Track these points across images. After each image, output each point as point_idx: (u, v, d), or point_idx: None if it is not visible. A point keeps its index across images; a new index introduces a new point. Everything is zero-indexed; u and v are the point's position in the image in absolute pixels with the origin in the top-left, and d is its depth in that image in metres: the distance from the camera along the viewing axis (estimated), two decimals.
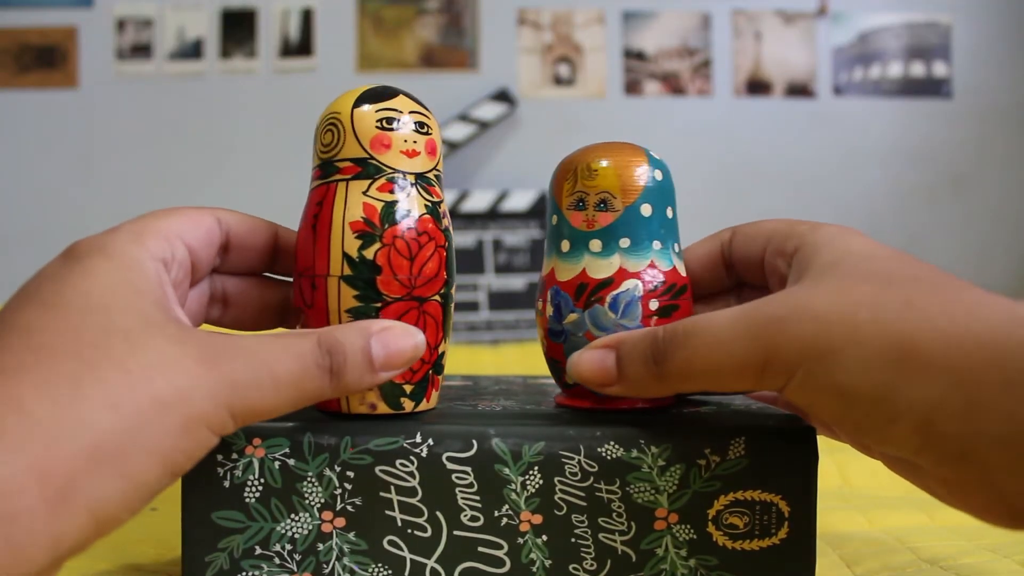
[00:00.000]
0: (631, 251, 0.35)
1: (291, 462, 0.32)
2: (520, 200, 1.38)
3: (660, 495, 0.32)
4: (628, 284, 0.35)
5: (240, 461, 0.32)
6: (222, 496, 0.32)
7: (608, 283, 0.35)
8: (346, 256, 0.33)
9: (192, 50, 1.55)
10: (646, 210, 0.35)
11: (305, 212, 0.35)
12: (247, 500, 0.32)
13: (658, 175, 0.36)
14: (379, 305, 0.33)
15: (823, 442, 0.37)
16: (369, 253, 0.33)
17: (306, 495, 0.32)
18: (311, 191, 0.35)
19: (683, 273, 0.36)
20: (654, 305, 0.35)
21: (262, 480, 0.32)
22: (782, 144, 1.45)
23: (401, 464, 0.32)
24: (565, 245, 0.37)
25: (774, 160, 1.44)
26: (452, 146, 1.44)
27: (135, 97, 1.52)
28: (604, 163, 0.36)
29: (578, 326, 0.36)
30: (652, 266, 0.35)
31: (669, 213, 0.36)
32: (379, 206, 0.33)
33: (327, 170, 0.34)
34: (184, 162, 1.45)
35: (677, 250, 0.36)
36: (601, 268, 0.35)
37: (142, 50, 1.57)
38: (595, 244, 0.35)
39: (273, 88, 1.44)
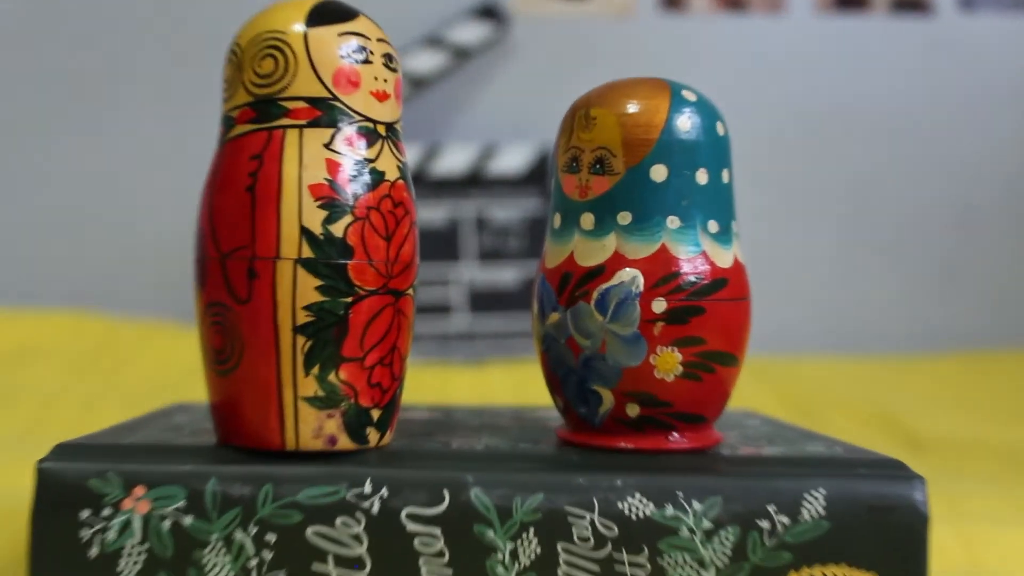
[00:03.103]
0: (633, 230, 0.35)
1: (187, 520, 0.32)
2: (513, 159, 1.38)
3: (706, 570, 0.32)
4: (623, 275, 0.35)
5: (114, 520, 0.32)
6: (85, 570, 0.32)
7: (597, 273, 0.35)
8: (305, 232, 0.33)
9: None
10: (658, 173, 0.35)
11: (223, 168, 0.35)
12: None
13: (683, 123, 0.36)
14: (350, 300, 0.34)
15: (941, 504, 0.37)
16: (338, 229, 0.34)
17: (208, 568, 0.32)
18: (231, 139, 0.35)
19: (725, 261, 0.36)
20: (660, 307, 0.35)
21: (146, 546, 0.32)
22: (883, 82, 1.46)
23: (343, 523, 0.32)
24: (557, 220, 0.38)
25: (871, 104, 1.45)
26: (416, 83, 1.44)
27: None
28: (605, 107, 0.36)
29: (560, 329, 0.36)
30: (663, 251, 0.35)
31: (702, 177, 0.36)
32: (348, 165, 0.34)
33: (266, 111, 0.35)
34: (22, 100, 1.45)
35: (717, 229, 0.36)
36: (591, 252, 0.36)
37: None
38: (587, 219, 0.36)
39: None
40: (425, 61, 1.47)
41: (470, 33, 1.48)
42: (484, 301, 1.36)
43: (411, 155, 1.29)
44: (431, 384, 1.00)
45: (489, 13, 1.47)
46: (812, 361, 1.06)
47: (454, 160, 1.39)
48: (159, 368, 0.90)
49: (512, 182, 1.39)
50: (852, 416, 0.84)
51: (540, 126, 1.37)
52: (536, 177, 1.40)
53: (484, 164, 1.39)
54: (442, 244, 1.38)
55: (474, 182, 1.38)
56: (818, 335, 1.21)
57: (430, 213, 1.40)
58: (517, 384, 1.03)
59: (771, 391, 0.89)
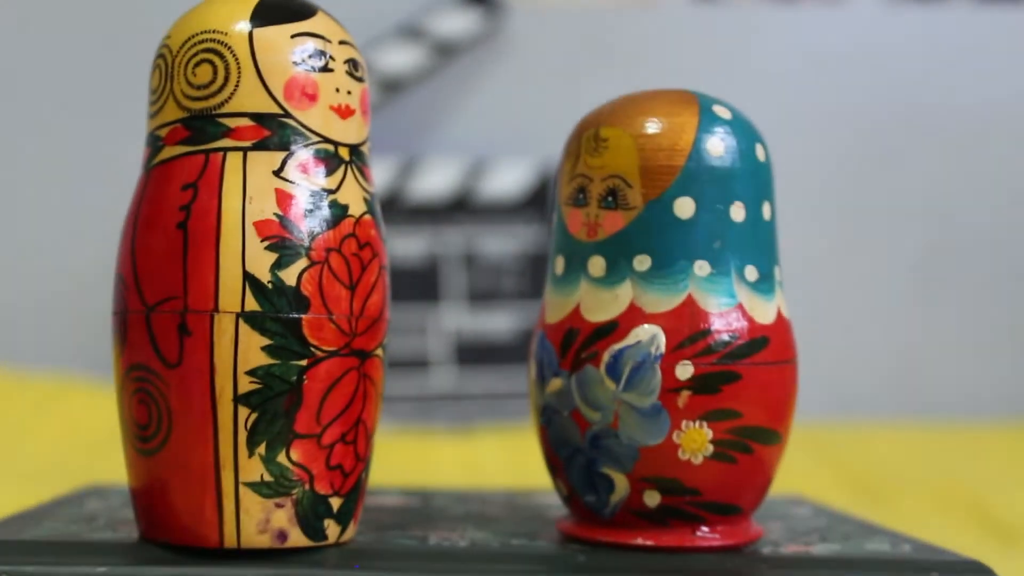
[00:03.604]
0: (652, 277, 0.36)
1: None
2: (508, 179, 1.39)
3: None
4: (640, 334, 0.35)
5: None
6: None
7: (609, 330, 0.36)
8: (250, 279, 0.34)
9: None
10: (683, 208, 0.36)
11: (148, 199, 0.35)
12: None
13: (715, 146, 0.36)
14: (304, 363, 0.34)
15: None
16: (289, 275, 0.34)
17: None
18: (158, 164, 0.35)
19: (765, 315, 0.37)
20: (685, 372, 0.35)
21: None
22: (967, 85, 1.46)
23: None
24: (559, 264, 0.38)
25: (952, 114, 1.45)
26: (389, 85, 1.45)
27: None
28: (618, 127, 0.36)
29: (563, 399, 0.37)
30: (689, 304, 0.36)
31: (738, 213, 0.36)
32: (303, 197, 0.34)
33: (202, 130, 0.35)
34: None
35: (756, 276, 0.37)
36: (601, 304, 0.36)
37: None
38: (596, 264, 0.36)
39: None
40: (400, 57, 1.48)
41: (456, 24, 1.49)
42: (472, 354, 1.36)
43: (383, 173, 1.30)
44: (406, 458, 1.00)
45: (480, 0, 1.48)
46: (877, 430, 1.06)
47: (435, 180, 1.40)
48: (68, 437, 0.90)
49: (506, 208, 1.40)
50: (926, 498, 0.84)
51: (541, 139, 1.37)
52: (536, 202, 1.40)
53: (472, 185, 1.39)
54: (420, 284, 1.38)
55: (460, 208, 1.38)
56: (884, 399, 1.20)
57: (406, 246, 1.40)
58: (512, 457, 1.03)
59: (826, 468, 0.89)
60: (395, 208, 1.38)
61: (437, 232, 1.37)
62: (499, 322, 1.35)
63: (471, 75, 1.50)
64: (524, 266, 1.38)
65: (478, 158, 1.41)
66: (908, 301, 1.24)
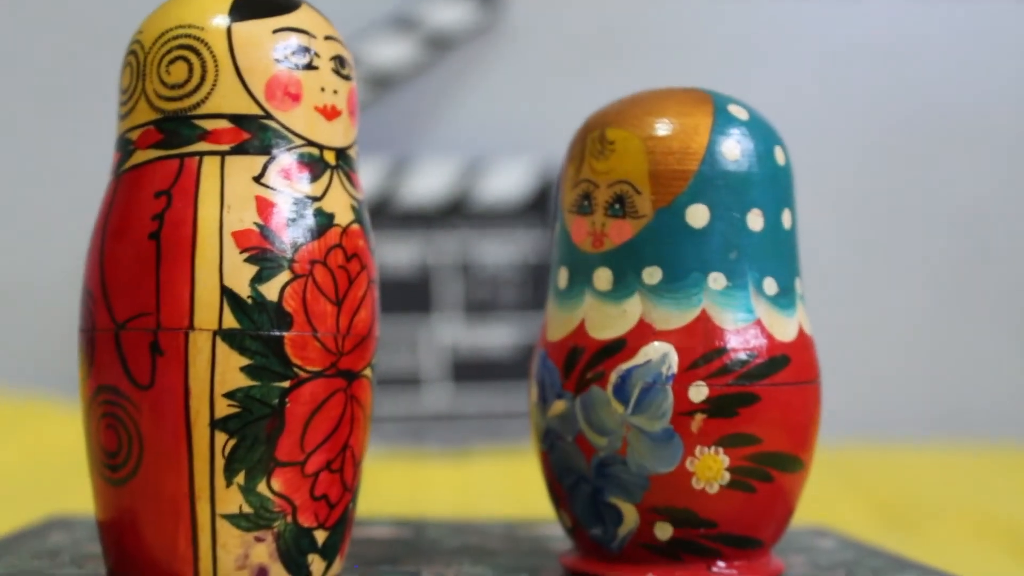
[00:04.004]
0: (663, 291, 0.36)
1: None
2: (507, 181, 1.39)
3: None
4: (650, 352, 0.35)
5: None
6: None
7: (616, 348, 0.36)
8: (228, 294, 0.34)
9: None
10: (697, 216, 0.36)
11: (118, 207, 0.35)
12: None
13: (731, 149, 0.36)
14: (287, 384, 0.34)
15: None
16: (271, 290, 0.34)
17: None
18: (129, 170, 0.35)
19: (786, 331, 0.37)
20: (699, 394, 0.35)
21: None
22: (1013, 83, 1.46)
23: None
24: (562, 277, 0.38)
25: (994, 113, 1.45)
26: (378, 80, 1.45)
27: None
28: (626, 128, 0.37)
29: (567, 423, 0.37)
30: (703, 320, 0.36)
31: (756, 221, 0.37)
32: (286, 205, 0.34)
33: (177, 133, 0.35)
34: None
35: (776, 290, 0.37)
36: (608, 320, 0.36)
37: None
38: (602, 277, 0.36)
39: None
40: (391, 51, 1.48)
41: (451, 14, 1.49)
42: (468, 371, 1.36)
43: (372, 175, 1.30)
44: (397, 483, 1.00)
45: None
46: (907, 453, 1.06)
47: (429, 182, 1.40)
48: (31, 462, 0.90)
49: (505, 213, 1.40)
50: (963, 527, 0.84)
51: (543, 138, 1.38)
52: (537, 206, 1.40)
53: (469, 188, 1.39)
54: (412, 295, 1.38)
55: (455, 212, 1.39)
56: (915, 419, 1.20)
57: (396, 254, 1.40)
58: (511, 483, 1.03)
59: (852, 495, 0.89)
60: (385, 213, 1.38)
61: (430, 239, 1.38)
62: (497, 336, 1.36)
63: (467, 69, 1.50)
64: (524, 276, 1.38)
65: (474, 159, 1.42)
66: (939, 314, 1.24)
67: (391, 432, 1.32)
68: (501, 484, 1.03)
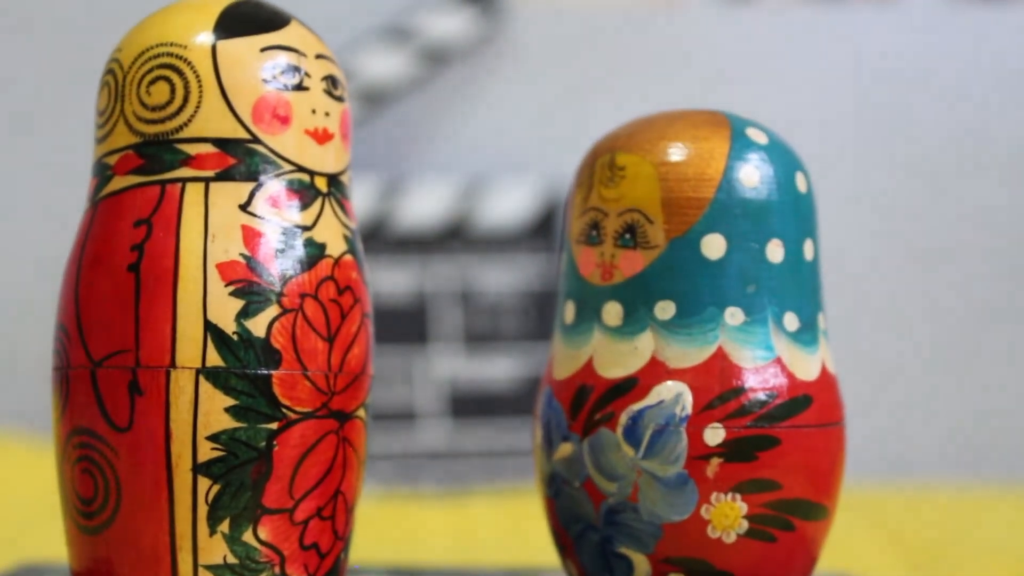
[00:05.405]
0: (677, 327, 0.36)
1: None
2: (509, 203, 1.39)
3: None
4: (663, 392, 0.35)
5: None
6: None
7: (627, 387, 0.36)
8: (212, 330, 0.34)
9: None
10: (713, 246, 0.36)
11: (95, 237, 0.35)
12: None
13: (749, 175, 0.36)
14: (274, 427, 0.34)
15: None
16: (258, 325, 0.34)
17: None
18: (106, 197, 0.35)
19: (808, 370, 0.37)
20: (715, 437, 0.35)
21: None
22: None
23: None
24: (569, 311, 0.38)
25: None
26: (372, 96, 1.46)
27: None
28: (637, 153, 0.37)
29: (574, 468, 0.37)
30: (720, 358, 0.36)
31: (776, 252, 0.37)
32: (274, 235, 0.35)
33: (158, 158, 0.35)
34: None
35: (798, 326, 0.37)
36: (618, 358, 0.36)
37: None
38: (612, 311, 0.37)
39: None
40: (385, 64, 1.49)
41: (449, 25, 1.49)
42: (467, 406, 1.36)
43: (365, 197, 1.30)
44: (391, 526, 1.00)
45: None
46: (937, 495, 1.06)
47: (426, 204, 1.40)
48: (0, 506, 0.90)
49: (507, 237, 1.40)
50: (995, 571, 0.84)
51: (547, 158, 1.38)
52: (541, 230, 1.40)
53: (468, 210, 1.39)
54: (408, 325, 1.38)
55: (454, 237, 1.39)
56: (944, 460, 1.20)
57: (391, 280, 1.40)
58: (513, 525, 1.03)
59: (879, 539, 0.89)
60: (378, 238, 1.38)
61: (427, 265, 1.38)
62: (498, 369, 1.36)
63: (466, 83, 1.51)
64: (527, 304, 1.38)
65: (474, 179, 1.42)
66: (971, 350, 1.24)
67: (384, 471, 1.32)
68: (502, 528, 1.03)
